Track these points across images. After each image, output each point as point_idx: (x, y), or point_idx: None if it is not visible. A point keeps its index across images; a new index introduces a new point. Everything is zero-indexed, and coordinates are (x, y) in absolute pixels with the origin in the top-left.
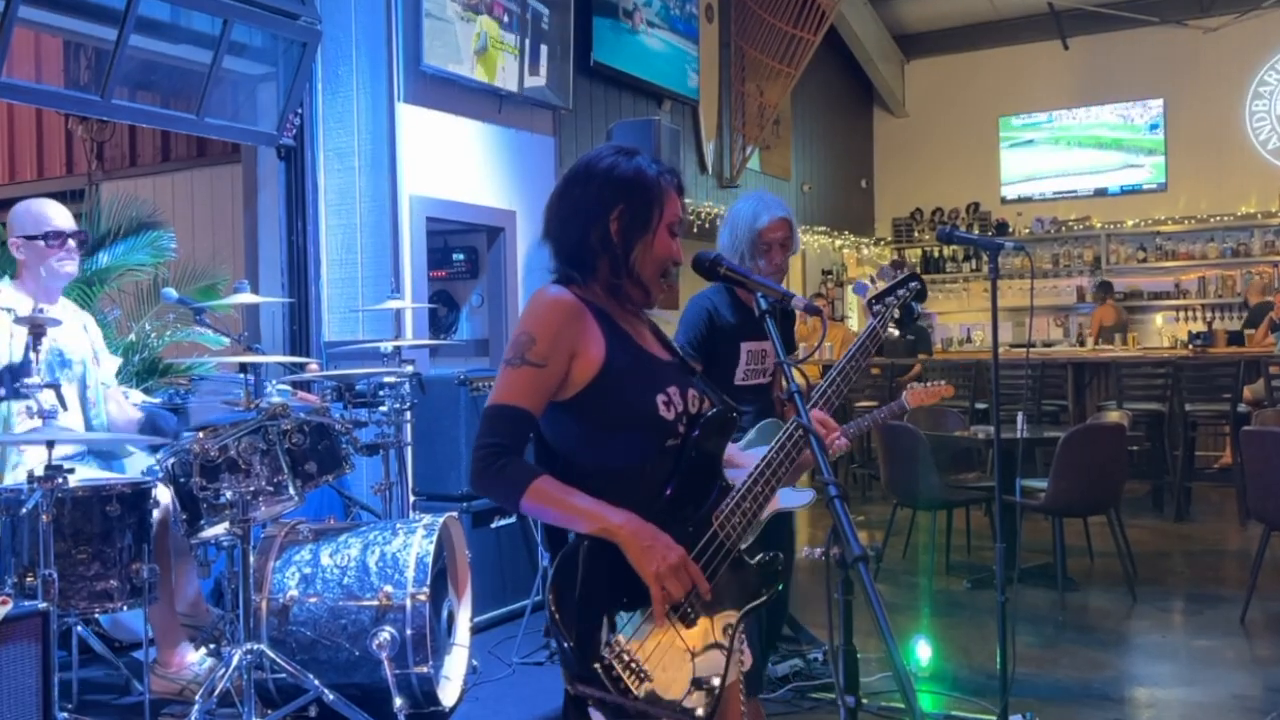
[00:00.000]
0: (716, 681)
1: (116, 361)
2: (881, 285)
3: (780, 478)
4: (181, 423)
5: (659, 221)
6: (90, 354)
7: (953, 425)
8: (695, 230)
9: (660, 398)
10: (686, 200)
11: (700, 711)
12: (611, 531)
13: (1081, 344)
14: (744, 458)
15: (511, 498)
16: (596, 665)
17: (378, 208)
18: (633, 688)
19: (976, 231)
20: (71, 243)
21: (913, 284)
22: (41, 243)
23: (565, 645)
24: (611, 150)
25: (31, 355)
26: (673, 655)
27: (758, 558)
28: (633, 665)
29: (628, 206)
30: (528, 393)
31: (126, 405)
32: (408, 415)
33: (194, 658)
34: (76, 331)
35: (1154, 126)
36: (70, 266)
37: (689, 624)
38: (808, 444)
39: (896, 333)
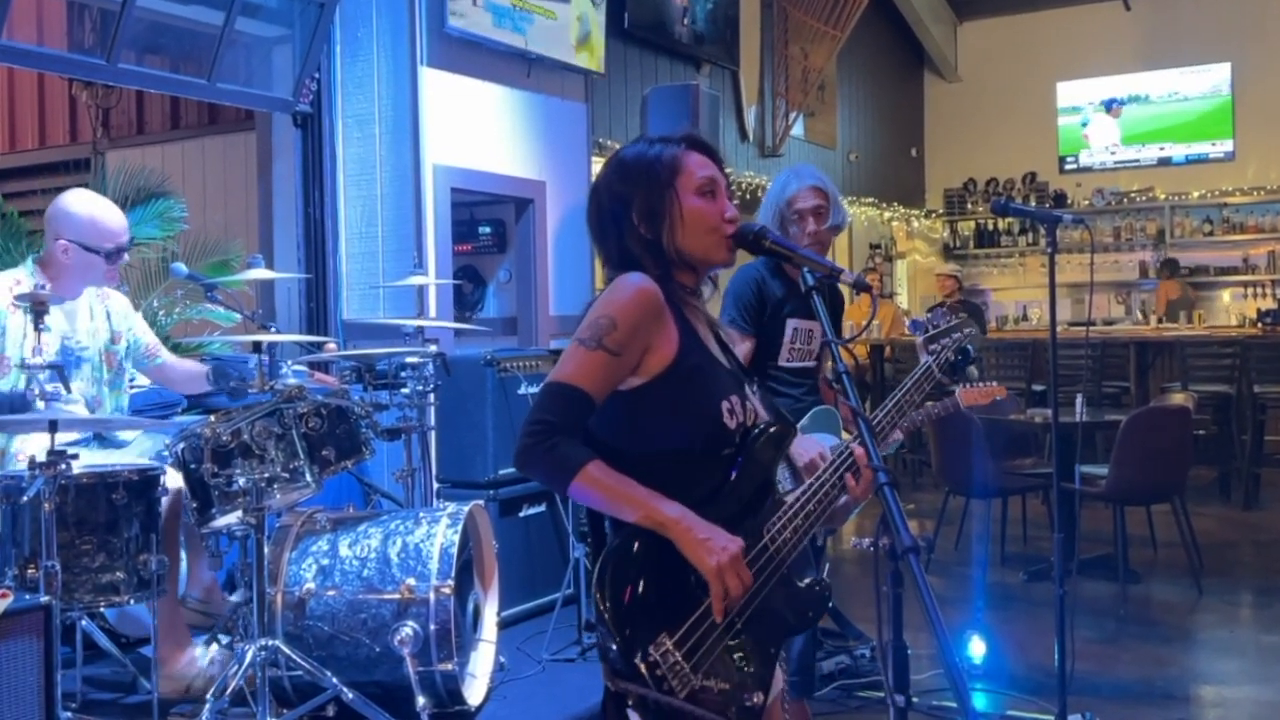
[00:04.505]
0: (759, 700)
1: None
2: (937, 327)
3: (833, 499)
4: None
5: (676, 193)
6: (104, 345)
7: (1008, 409)
8: (736, 202)
9: (725, 404)
10: (726, 171)
11: None
12: (664, 524)
13: (1145, 321)
14: (803, 443)
15: (560, 478)
16: (640, 663)
17: (399, 178)
18: (676, 689)
19: (1033, 203)
20: (126, 257)
21: (968, 330)
22: (101, 259)
23: (609, 640)
24: (625, 145)
25: (33, 335)
26: (719, 665)
27: (806, 580)
28: (677, 667)
29: (640, 196)
30: (595, 378)
31: (186, 362)
32: (431, 398)
33: (198, 653)
34: (96, 322)
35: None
36: (114, 280)
37: (736, 633)
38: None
39: (946, 379)
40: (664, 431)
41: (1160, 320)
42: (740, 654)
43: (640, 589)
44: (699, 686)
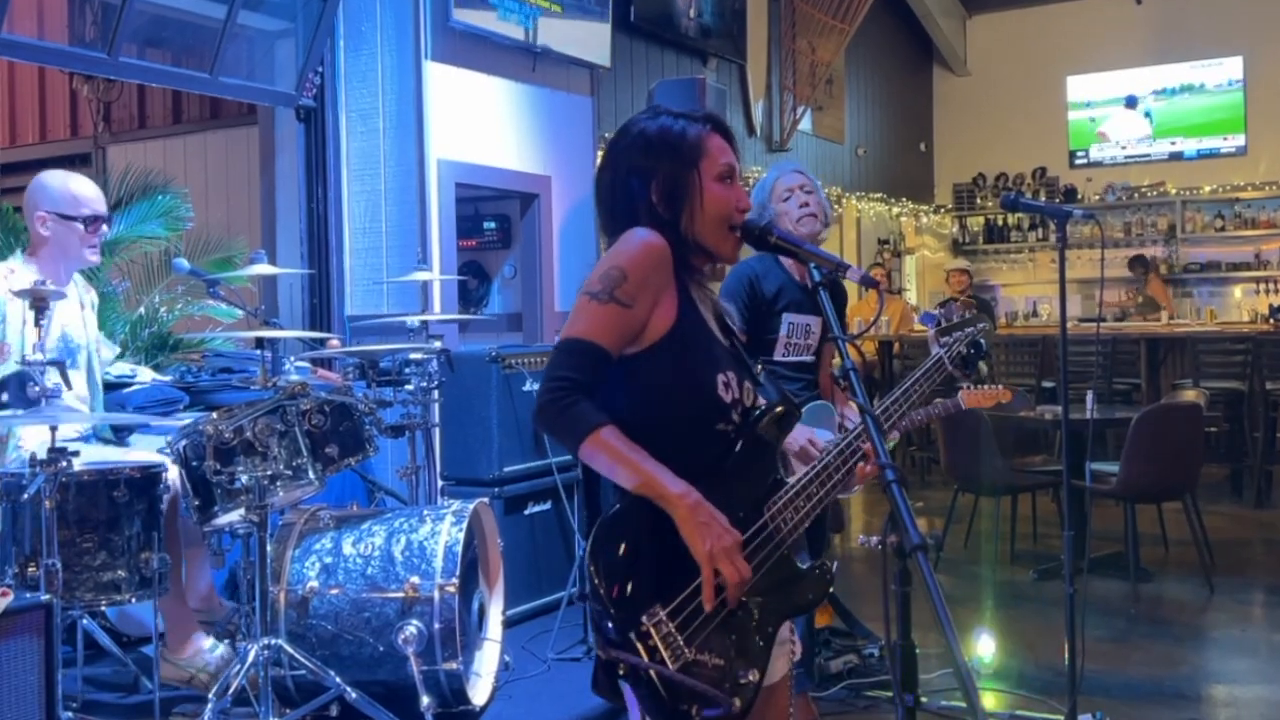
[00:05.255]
0: (754, 677)
1: (114, 351)
2: (950, 322)
3: (837, 483)
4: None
5: (700, 177)
6: (96, 338)
7: (1018, 405)
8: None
9: (720, 377)
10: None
11: (736, 704)
12: (669, 500)
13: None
14: (796, 432)
15: (574, 438)
16: (632, 633)
17: (403, 173)
18: (668, 661)
19: (1043, 198)
20: (105, 228)
21: (981, 325)
22: (81, 226)
23: (601, 607)
24: (641, 115)
25: (34, 330)
26: (713, 639)
27: (808, 565)
28: (670, 639)
29: (663, 173)
30: (609, 331)
31: None
32: (435, 394)
33: (207, 644)
34: (85, 313)
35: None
36: (96, 256)
37: (733, 612)
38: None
39: (957, 372)
40: (658, 399)
41: (1172, 317)
42: (736, 632)
43: (635, 557)
44: (692, 660)
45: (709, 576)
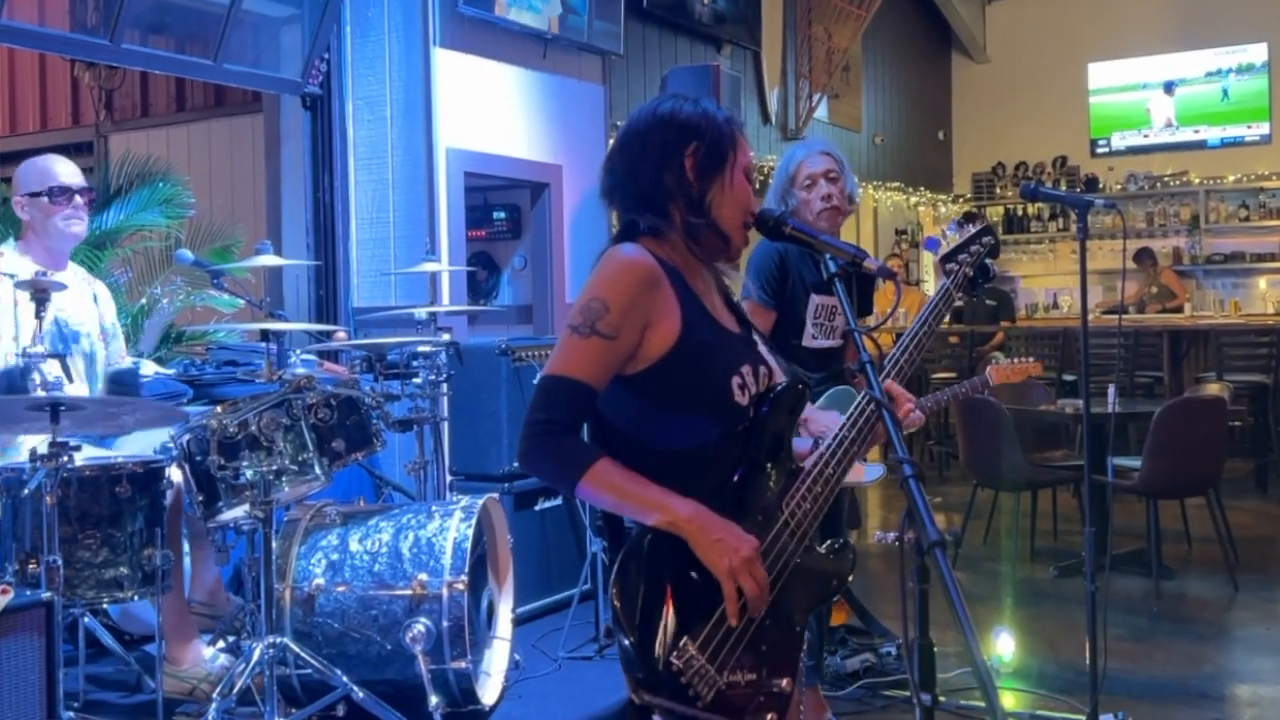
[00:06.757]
0: (786, 685)
1: (129, 360)
2: (954, 240)
3: (852, 456)
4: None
5: (734, 160)
6: (98, 328)
7: (1038, 399)
8: (757, 187)
9: (735, 380)
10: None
11: (770, 718)
12: (677, 524)
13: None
14: (823, 418)
15: (567, 480)
16: (664, 671)
17: (411, 161)
18: (701, 695)
19: (1064, 187)
20: (79, 199)
21: (985, 239)
22: (46, 199)
23: (630, 649)
24: (668, 97)
25: (34, 322)
26: (744, 658)
27: (826, 544)
28: (702, 671)
29: (701, 144)
30: (593, 366)
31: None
32: (444, 388)
33: (207, 654)
34: (84, 301)
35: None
36: (78, 227)
37: (759, 623)
38: (880, 419)
39: (964, 296)
40: (677, 428)
41: (1190, 306)
42: (766, 641)
43: (660, 594)
44: (725, 684)
45: (731, 594)
